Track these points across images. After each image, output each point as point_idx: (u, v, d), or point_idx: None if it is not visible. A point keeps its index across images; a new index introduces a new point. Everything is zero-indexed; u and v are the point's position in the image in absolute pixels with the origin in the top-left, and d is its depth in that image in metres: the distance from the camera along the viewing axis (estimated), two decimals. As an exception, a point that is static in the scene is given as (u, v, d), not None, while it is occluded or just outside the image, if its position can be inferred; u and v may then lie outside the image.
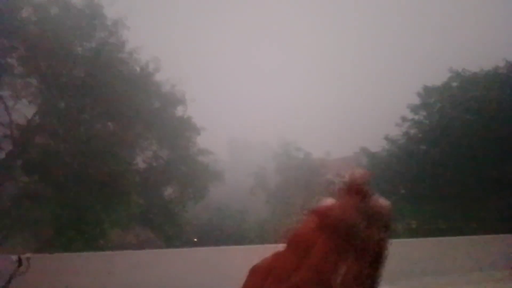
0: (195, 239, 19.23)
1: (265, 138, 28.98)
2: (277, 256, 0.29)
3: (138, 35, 17.51)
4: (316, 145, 26.62)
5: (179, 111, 19.29)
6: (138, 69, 17.82)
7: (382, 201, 0.29)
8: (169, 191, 18.54)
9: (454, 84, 18.85)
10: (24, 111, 15.82)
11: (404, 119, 19.82)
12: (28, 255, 3.81)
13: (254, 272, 0.30)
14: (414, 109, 19.60)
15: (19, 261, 3.69)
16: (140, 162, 18.14)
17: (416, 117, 19.64)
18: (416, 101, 19.59)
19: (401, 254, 8.78)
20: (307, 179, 23.32)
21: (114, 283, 6.13)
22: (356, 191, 0.28)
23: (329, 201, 0.29)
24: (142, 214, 16.51)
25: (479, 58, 19.60)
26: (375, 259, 0.28)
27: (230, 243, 8.20)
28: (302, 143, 26.28)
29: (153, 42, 17.71)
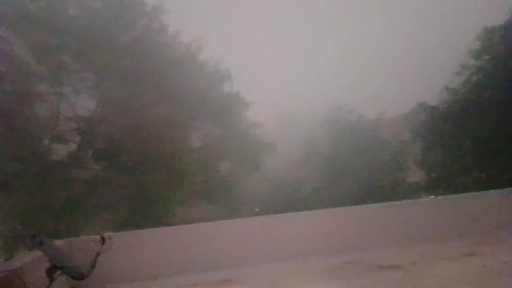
0: (256, 209, 19.83)
1: (316, 105, 28.51)
2: None
3: (178, 17, 17.73)
4: (369, 106, 25.68)
5: (226, 87, 19.59)
6: (182, 51, 18.19)
7: None
8: (226, 166, 19.15)
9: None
10: (86, 104, 16.91)
11: (464, 66, 18.42)
12: (109, 233, 4.22)
13: None
14: (475, 54, 18.08)
15: (102, 239, 4.09)
16: (195, 141, 18.80)
17: (478, 62, 18.12)
18: (476, 45, 18.03)
19: (468, 209, 8.40)
20: (361, 142, 22.77)
21: (186, 254, 6.55)
22: None
23: None
24: (204, 190, 17.25)
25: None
26: None
27: (289, 211, 8.36)
28: (354, 105, 25.53)
29: (194, 22, 17.88)
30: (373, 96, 26.45)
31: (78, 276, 3.74)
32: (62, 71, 16.01)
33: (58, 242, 4.88)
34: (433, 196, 15.44)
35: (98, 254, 4.06)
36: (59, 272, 3.57)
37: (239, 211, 17.68)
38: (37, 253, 4.13)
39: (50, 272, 3.58)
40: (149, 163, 14.64)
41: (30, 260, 4.17)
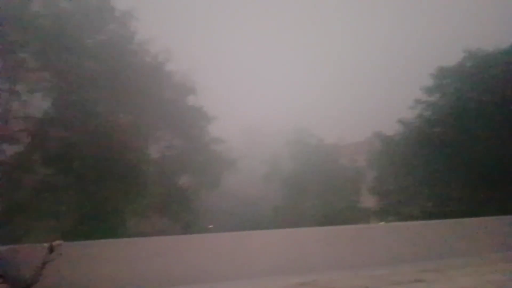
0: (211, 226, 19.51)
1: (278, 126, 28.94)
2: None
3: (147, 26, 17.53)
4: (329, 131, 26.47)
5: (191, 100, 19.42)
6: (149, 59, 17.90)
7: None
8: (184, 180, 18.76)
9: (469, 64, 18.47)
10: (39, 104, 16.06)
11: (418, 101, 19.57)
12: (59, 242, 3.96)
13: None
14: (428, 90, 19.31)
15: (51, 248, 3.83)
16: (154, 152, 18.33)
17: (431, 99, 19.36)
18: (430, 82, 19.30)
19: (417, 236, 8.78)
20: (320, 166, 23.31)
21: (137, 268, 6.29)
22: None
23: None
24: (159, 203, 16.75)
25: (494, 37, 19.08)
26: None
27: (246, 229, 8.32)
28: (314, 129, 26.19)
29: (163, 33, 17.75)
30: (333, 122, 27.40)
31: (21, 285, 3.45)
32: (19, 69, 15.20)
33: (1, 248, 4.51)
34: (383, 223, 16.04)
35: (44, 263, 3.78)
36: (0, 280, 3.29)
37: (194, 227, 17.29)
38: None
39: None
40: (104, 171, 14.02)
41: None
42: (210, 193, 19.18)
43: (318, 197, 21.48)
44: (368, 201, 20.85)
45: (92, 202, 13.62)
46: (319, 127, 26.24)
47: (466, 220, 10.40)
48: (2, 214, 12.59)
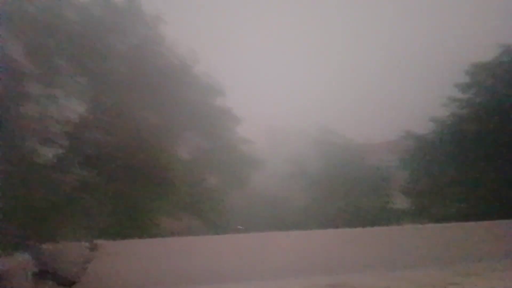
0: (240, 227, 19.68)
1: (306, 125, 28.79)
2: None
3: (175, 29, 17.87)
4: (357, 130, 26.06)
5: (219, 101, 19.64)
6: (177, 62, 18.26)
7: None
8: (212, 180, 19.02)
9: (506, 59, 17.74)
10: (76, 108, 16.74)
11: (451, 98, 18.99)
12: (100, 241, 4.15)
13: None
14: (463, 88, 18.70)
15: (93, 247, 4.02)
16: (183, 152, 18.69)
17: (465, 96, 18.73)
18: (464, 79, 18.67)
19: (449, 238, 8.54)
20: (348, 166, 23.00)
21: (170, 267, 6.48)
22: None
23: None
24: (188, 202, 17.08)
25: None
26: None
27: (272, 230, 8.35)
28: (342, 129, 25.85)
29: (191, 35, 18.04)
30: (362, 121, 26.92)
31: (65, 282, 3.64)
32: (55, 74, 15.89)
33: (46, 247, 4.77)
34: (419, 225, 15.62)
35: (87, 261, 3.97)
36: (48, 276, 3.49)
37: (224, 227, 17.50)
38: (24, 256, 4.03)
39: (38, 276, 3.48)
40: (136, 173, 14.46)
41: (16, 263, 4.06)
42: (237, 193, 19.37)
43: (347, 197, 21.21)
44: (401, 202, 20.39)
45: (125, 202, 14.11)
46: (347, 126, 25.85)
47: (502, 222, 10.02)
48: (44, 213, 13.21)
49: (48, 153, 15.18)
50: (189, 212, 17.38)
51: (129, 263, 6.11)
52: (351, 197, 21.21)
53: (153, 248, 6.64)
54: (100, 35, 15.72)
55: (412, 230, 9.95)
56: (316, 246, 7.73)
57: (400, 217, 18.70)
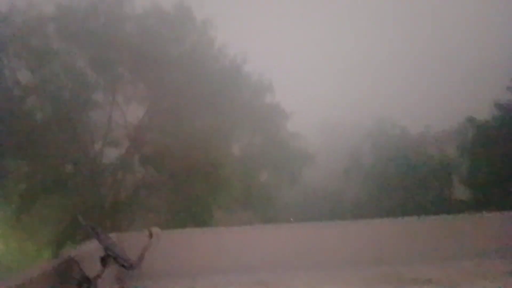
0: (291, 219, 19.92)
1: (358, 117, 28.18)
2: None
3: (225, 32, 18.54)
4: (414, 119, 25.02)
5: (268, 98, 20.04)
6: (227, 63, 18.95)
7: None
8: (265, 176, 19.48)
9: None
10: (136, 112, 18.11)
11: (514, 82, 17.59)
12: (157, 229, 4.70)
13: None
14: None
15: (150, 234, 4.58)
16: (236, 150, 19.36)
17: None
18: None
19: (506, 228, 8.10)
20: (406, 157, 22.19)
21: (225, 256, 6.96)
22: None
23: None
24: (243, 198, 17.69)
25: None
26: None
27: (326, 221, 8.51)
28: (398, 119, 24.98)
29: (240, 36, 18.62)
30: (418, 109, 25.76)
31: (128, 265, 4.22)
32: (117, 82, 17.32)
33: (112, 235, 5.48)
34: (477, 214, 14.76)
35: (146, 248, 4.53)
36: (111, 261, 4.08)
37: (276, 220, 17.90)
38: (92, 244, 4.70)
39: (104, 260, 4.09)
40: (192, 170, 15.34)
41: (87, 249, 4.74)
42: (290, 188, 19.62)
43: (403, 191, 20.51)
44: (462, 193, 19.30)
45: (183, 197, 15.09)
46: (403, 116, 24.92)
47: None
48: (109, 210, 14.60)
49: (112, 155, 16.64)
50: (243, 207, 18.02)
51: (183, 251, 6.68)
52: (410, 190, 20.47)
53: (208, 237, 7.16)
54: (156, 44, 16.81)
55: (470, 219, 9.53)
56: (370, 236, 7.72)
57: (461, 207, 17.72)
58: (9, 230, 16.02)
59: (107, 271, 4.29)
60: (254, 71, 19.62)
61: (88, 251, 4.56)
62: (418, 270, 6.76)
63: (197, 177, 15.25)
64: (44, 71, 15.71)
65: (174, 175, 15.36)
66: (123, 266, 4.12)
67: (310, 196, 22.02)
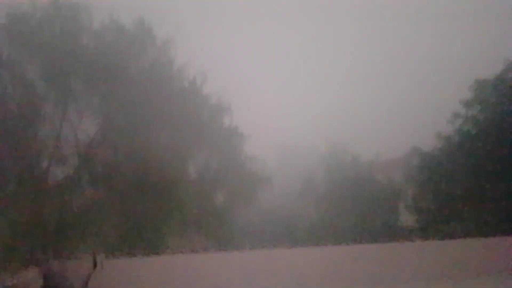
0: (247, 244, 19.76)
1: (312, 142, 28.92)
2: None
3: (185, 52, 18.53)
4: (365, 147, 26.12)
5: (226, 120, 20.13)
6: (186, 83, 18.90)
7: None
8: (220, 198, 19.31)
9: (510, 75, 17.84)
10: (88, 128, 17.37)
11: (456, 115, 19.04)
12: (101, 256, 4.47)
13: None
14: (467, 104, 18.78)
15: (95, 262, 4.35)
16: (192, 171, 19.10)
17: (470, 112, 18.79)
18: (469, 96, 18.77)
19: (453, 254, 8.62)
20: (356, 182, 23.02)
21: (178, 284, 6.75)
22: None
23: None
24: (196, 220, 17.35)
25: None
26: None
27: (281, 246, 8.56)
28: (350, 146, 25.93)
29: (200, 57, 18.67)
30: (370, 137, 26.98)
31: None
32: (69, 95, 16.62)
33: (53, 263, 5.13)
34: (422, 241, 15.55)
35: (89, 276, 4.29)
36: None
37: (232, 245, 17.67)
38: (29, 274, 4.39)
39: (45, 290, 3.82)
40: (145, 191, 14.87)
41: (25, 279, 4.41)
42: (245, 211, 19.56)
43: (355, 215, 21.18)
44: (408, 219, 20.27)
45: (134, 221, 14.47)
46: (355, 142, 25.96)
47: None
48: (54, 232, 13.69)
49: (59, 173, 15.76)
50: (197, 230, 17.65)
51: (135, 280, 6.39)
52: (360, 214, 21.16)
53: (159, 265, 6.92)
54: (113, 59, 16.44)
55: (415, 246, 10.03)
56: (323, 262, 7.89)
57: (407, 233, 18.61)
58: None
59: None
60: (213, 93, 19.68)
61: (26, 281, 4.23)
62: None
63: (150, 198, 14.79)
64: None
65: (125, 196, 14.78)
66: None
67: (266, 219, 22.04)
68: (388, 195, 21.40)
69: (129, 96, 16.95)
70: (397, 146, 22.93)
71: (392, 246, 9.51)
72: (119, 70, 16.75)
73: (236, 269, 7.36)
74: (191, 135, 18.38)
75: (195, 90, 19.05)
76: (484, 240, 10.08)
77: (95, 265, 3.96)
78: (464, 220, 16.66)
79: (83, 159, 16.02)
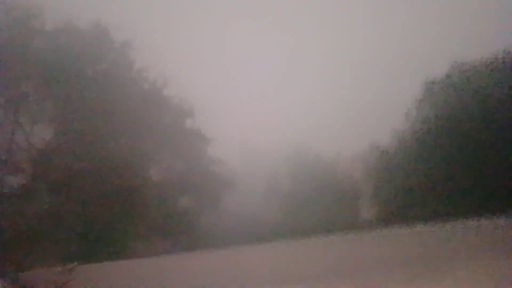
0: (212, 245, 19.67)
1: (276, 142, 29.32)
2: None
3: (145, 54, 18.22)
4: (327, 146, 26.87)
5: (189, 123, 19.98)
6: (147, 86, 18.56)
7: None
8: (184, 202, 19.11)
9: (456, 75, 19.15)
10: (42, 134, 16.58)
11: (410, 113, 20.13)
12: (73, 264, 4.35)
13: None
14: (419, 103, 19.93)
15: (66, 271, 4.22)
16: (154, 175, 18.75)
17: (421, 111, 19.95)
18: (420, 95, 19.92)
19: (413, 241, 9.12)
20: (319, 180, 23.63)
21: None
22: None
23: None
24: (160, 225, 17.06)
25: (480, 49, 19.81)
26: None
27: (246, 244, 8.67)
28: (313, 145, 26.57)
29: (160, 59, 18.44)
30: (331, 136, 27.78)
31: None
32: (21, 101, 15.81)
33: (21, 275, 4.91)
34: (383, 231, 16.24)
35: (62, 285, 4.15)
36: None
37: (197, 247, 17.52)
38: (1, 282, 4.19)
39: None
40: (106, 197, 14.43)
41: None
42: (210, 213, 19.49)
43: (318, 212, 21.73)
44: (369, 210, 21.12)
45: (96, 227, 14.00)
46: (317, 142, 26.62)
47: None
48: (10, 243, 12.93)
49: (13, 182, 14.94)
50: (162, 234, 17.35)
51: (101, 286, 6.23)
52: (323, 211, 21.74)
53: (125, 270, 6.79)
54: (68, 61, 15.84)
55: (377, 236, 10.51)
56: (287, 256, 8.08)
57: (368, 224, 19.39)
58: None
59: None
60: (175, 95, 19.48)
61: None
62: (330, 285, 7.25)
63: (111, 204, 14.38)
64: None
65: (85, 203, 14.26)
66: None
67: (230, 220, 22.06)
68: (350, 190, 22.20)
69: (84, 99, 16.39)
70: (357, 144, 23.83)
71: (354, 237, 9.90)
72: (74, 72, 16.17)
73: (201, 269, 7.38)
74: (153, 138, 18.06)
75: (156, 92, 18.75)
76: (441, 225, 10.71)
77: (68, 273, 3.83)
78: (420, 208, 17.63)
79: (38, 166, 15.26)
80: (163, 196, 17.69)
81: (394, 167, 19.07)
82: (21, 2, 15.76)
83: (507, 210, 13.04)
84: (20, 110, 16.07)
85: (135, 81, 18.21)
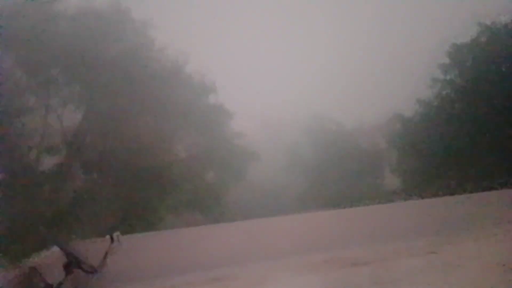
0: (239, 217, 20.33)
1: (297, 113, 29.33)
2: None
3: (165, 32, 18.36)
4: (349, 116, 26.67)
5: (211, 99, 20.26)
6: (169, 64, 18.82)
7: None
8: (211, 175, 19.70)
9: (483, 39, 18.40)
10: (73, 116, 17.29)
11: (435, 80, 19.62)
12: (117, 233, 4.81)
13: None
14: (445, 68, 19.35)
15: (111, 239, 4.69)
16: (181, 151, 19.33)
17: (448, 77, 19.40)
18: (446, 60, 19.32)
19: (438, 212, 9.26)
20: (341, 151, 23.70)
21: (179, 256, 7.17)
22: None
23: None
24: (190, 199, 17.76)
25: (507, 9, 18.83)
26: None
27: (271, 216, 9.05)
28: (334, 115, 26.46)
29: (181, 37, 18.56)
30: (353, 106, 27.51)
31: (90, 270, 4.32)
32: (50, 84, 16.44)
33: (73, 244, 5.48)
34: (405, 202, 16.38)
35: (107, 252, 4.64)
36: (74, 266, 4.16)
37: (225, 220, 18.20)
38: (53, 252, 4.71)
39: (68, 266, 4.16)
40: (137, 174, 15.11)
41: (47, 257, 4.73)
42: (236, 186, 20.04)
43: (342, 182, 21.95)
44: (392, 182, 21.15)
45: (130, 202, 14.80)
46: (339, 112, 26.46)
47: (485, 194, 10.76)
48: (52, 220, 13.90)
49: (49, 162, 15.81)
50: (191, 208, 18.09)
51: (140, 255, 6.77)
52: (346, 181, 21.93)
53: (160, 240, 7.31)
54: (92, 43, 16.23)
55: (401, 207, 10.69)
56: (312, 226, 8.41)
57: (391, 195, 19.50)
58: None
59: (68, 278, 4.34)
60: (196, 72, 19.69)
61: (49, 260, 4.56)
62: (356, 253, 7.56)
63: (143, 181, 15.07)
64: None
65: (118, 180, 15.02)
66: (86, 271, 4.21)
67: (256, 192, 22.63)
68: (373, 160, 22.21)
69: (110, 80, 16.85)
70: (380, 113, 23.56)
71: (379, 208, 10.13)
72: (98, 54, 16.57)
73: (229, 240, 7.83)
74: (177, 115, 18.49)
75: (177, 70, 19.02)
76: (468, 196, 10.77)
77: (112, 241, 4.27)
78: (447, 179, 17.53)
79: (72, 146, 16.05)
80: (191, 171, 18.28)
81: (419, 136, 18.89)
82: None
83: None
84: (51, 93, 16.70)
85: (157, 59, 18.48)
